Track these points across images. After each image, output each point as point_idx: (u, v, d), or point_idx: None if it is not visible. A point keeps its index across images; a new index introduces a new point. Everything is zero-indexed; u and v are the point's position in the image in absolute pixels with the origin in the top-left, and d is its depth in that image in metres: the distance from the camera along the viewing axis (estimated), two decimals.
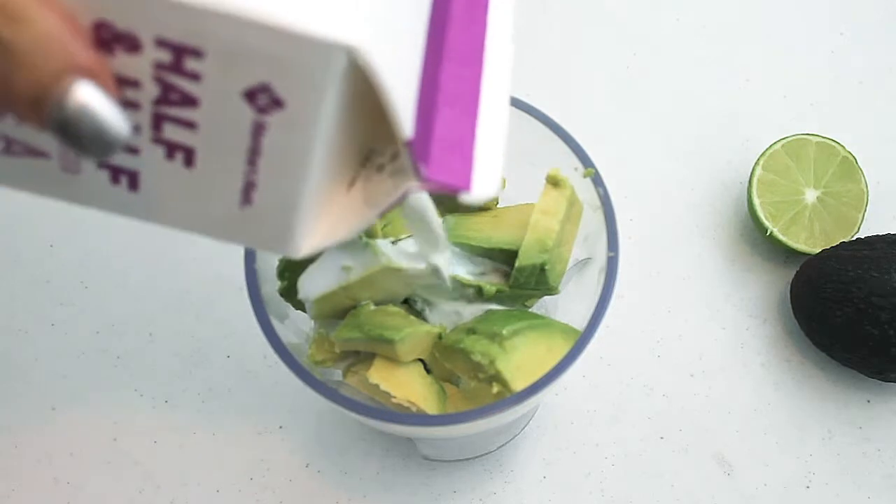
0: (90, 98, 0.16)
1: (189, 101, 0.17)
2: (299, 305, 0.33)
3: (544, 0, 0.54)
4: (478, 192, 0.19)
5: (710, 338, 0.44)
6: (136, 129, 0.18)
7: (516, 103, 0.32)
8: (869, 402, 0.43)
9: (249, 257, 0.30)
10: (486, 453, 0.41)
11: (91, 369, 0.43)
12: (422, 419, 0.29)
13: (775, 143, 0.46)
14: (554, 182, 0.31)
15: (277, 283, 0.32)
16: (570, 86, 0.51)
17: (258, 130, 0.17)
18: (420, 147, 0.18)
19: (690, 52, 0.52)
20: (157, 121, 0.17)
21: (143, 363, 0.43)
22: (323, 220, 0.20)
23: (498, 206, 0.34)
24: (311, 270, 0.30)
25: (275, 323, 0.29)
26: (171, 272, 0.45)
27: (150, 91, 0.17)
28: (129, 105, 0.17)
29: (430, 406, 0.31)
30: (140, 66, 0.16)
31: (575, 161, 0.31)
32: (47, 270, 0.45)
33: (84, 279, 0.45)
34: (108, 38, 0.16)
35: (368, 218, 0.20)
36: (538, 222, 0.31)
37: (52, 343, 0.44)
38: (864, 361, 0.41)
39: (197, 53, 0.16)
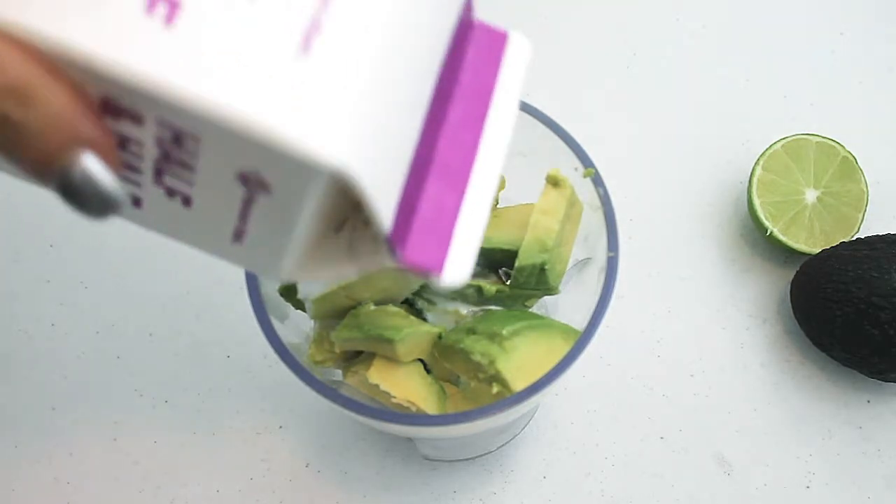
0: (92, 169, 0.17)
1: (186, 166, 0.18)
2: (299, 305, 0.33)
3: (544, 0, 0.54)
4: (448, 278, 0.20)
5: (710, 338, 0.44)
6: (139, 171, 0.19)
7: None
8: (869, 402, 0.43)
9: None
10: (486, 453, 0.41)
11: (91, 369, 0.43)
12: (422, 419, 0.29)
13: (775, 143, 0.46)
14: (554, 182, 0.31)
15: (277, 283, 0.32)
16: (570, 86, 0.51)
17: (248, 201, 0.18)
18: (399, 232, 0.19)
19: (690, 52, 0.52)
20: (158, 172, 0.19)
21: (143, 363, 0.43)
22: (310, 259, 0.21)
23: (498, 206, 0.34)
24: None
25: (275, 323, 0.29)
26: (171, 272, 0.45)
27: (151, 151, 0.18)
28: (131, 156, 0.18)
29: (430, 406, 0.31)
30: (143, 133, 0.17)
31: (575, 161, 0.31)
32: (47, 270, 0.45)
33: (84, 279, 0.45)
34: (114, 110, 0.17)
35: (349, 272, 0.21)
36: (538, 222, 0.31)
37: (52, 343, 0.44)
38: (864, 361, 0.41)
39: (194, 138, 0.17)
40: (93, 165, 0.17)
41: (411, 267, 0.20)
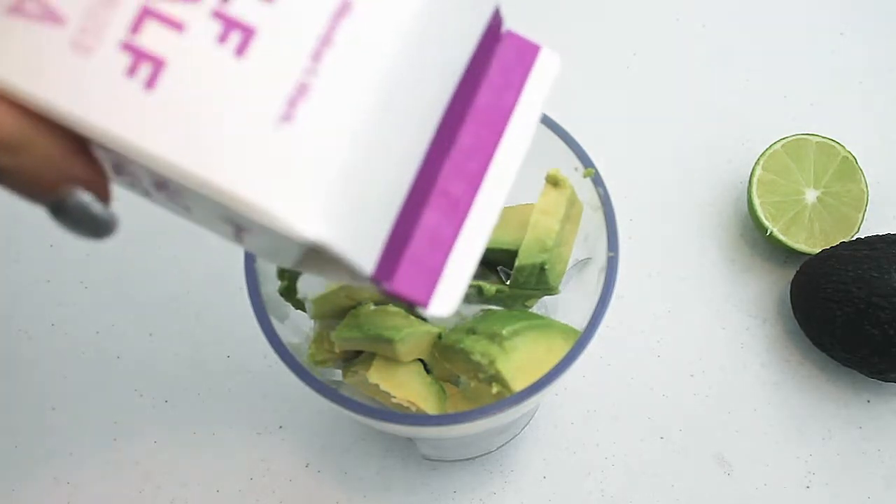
0: (83, 203, 0.18)
1: (180, 194, 0.18)
2: (299, 305, 0.33)
3: (543, 0, 0.54)
4: (434, 310, 0.20)
5: (710, 338, 0.44)
6: (139, 179, 0.19)
7: None
8: (869, 402, 0.43)
9: (249, 257, 0.30)
10: (486, 453, 0.41)
11: (91, 369, 0.43)
12: (422, 419, 0.29)
13: (775, 143, 0.46)
14: (554, 182, 0.31)
15: (277, 283, 0.32)
16: (570, 85, 0.51)
17: (238, 231, 0.19)
18: (387, 263, 0.19)
19: (690, 52, 0.52)
20: (157, 186, 0.19)
21: (143, 363, 0.43)
22: (308, 257, 0.21)
23: None
24: None
25: (275, 323, 0.29)
26: (170, 272, 0.45)
27: (146, 178, 0.18)
28: (129, 172, 0.19)
29: (430, 406, 0.31)
30: (135, 166, 0.18)
31: (575, 161, 0.31)
32: (47, 270, 0.45)
33: (84, 279, 0.45)
34: (105, 147, 0.17)
35: (344, 280, 0.21)
36: (538, 222, 0.31)
37: (52, 343, 0.44)
38: (864, 361, 0.41)
39: (178, 188, 0.17)
40: (83, 199, 0.18)
41: (397, 297, 0.20)
